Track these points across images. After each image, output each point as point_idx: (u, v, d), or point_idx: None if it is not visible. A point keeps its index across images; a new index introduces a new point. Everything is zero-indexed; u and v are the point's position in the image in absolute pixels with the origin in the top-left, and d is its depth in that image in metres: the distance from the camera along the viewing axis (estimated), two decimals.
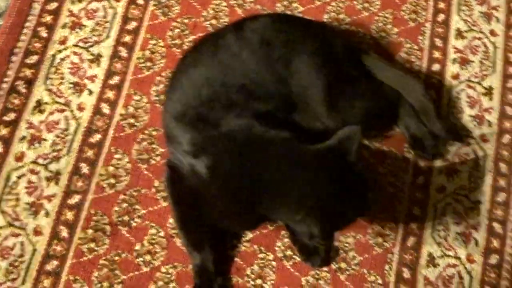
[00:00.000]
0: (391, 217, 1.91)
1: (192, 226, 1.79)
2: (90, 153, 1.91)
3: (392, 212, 1.92)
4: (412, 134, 1.95)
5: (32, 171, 1.87)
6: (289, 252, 1.86)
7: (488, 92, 2.10)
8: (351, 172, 1.58)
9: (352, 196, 1.58)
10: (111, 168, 1.90)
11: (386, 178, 1.96)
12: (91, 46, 2.05)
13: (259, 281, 1.83)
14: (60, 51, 2.03)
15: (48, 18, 2.07)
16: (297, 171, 1.57)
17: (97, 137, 1.93)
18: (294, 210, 1.56)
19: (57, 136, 1.92)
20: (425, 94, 1.95)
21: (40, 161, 1.89)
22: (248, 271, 1.84)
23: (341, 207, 1.56)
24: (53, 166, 1.88)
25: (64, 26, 2.07)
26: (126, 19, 2.10)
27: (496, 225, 1.94)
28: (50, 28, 2.06)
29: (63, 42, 2.05)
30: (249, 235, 1.86)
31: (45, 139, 1.91)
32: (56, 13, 2.09)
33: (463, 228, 1.92)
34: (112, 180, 1.89)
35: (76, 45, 2.05)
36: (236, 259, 1.85)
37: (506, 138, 2.04)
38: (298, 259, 1.85)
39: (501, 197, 1.97)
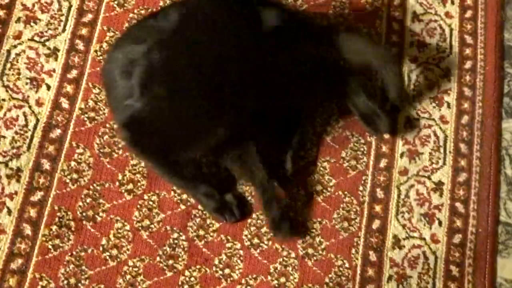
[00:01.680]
0: (356, 201, 1.93)
1: (178, 166, 1.81)
2: (51, 148, 1.88)
3: (357, 195, 1.94)
4: (361, 112, 1.96)
5: None
6: (256, 240, 1.86)
7: (445, 74, 2.13)
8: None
9: None
10: (73, 163, 1.87)
11: (348, 162, 1.97)
12: (47, 40, 2.02)
13: (227, 271, 1.83)
14: (15, 46, 1.99)
15: (0, 13, 2.03)
16: None
17: (57, 132, 1.90)
18: None
19: (16, 133, 1.89)
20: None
21: (0, 158, 1.85)
22: (216, 261, 1.84)
23: None
24: (13, 163, 1.85)
25: (18, 21, 2.03)
26: (81, 12, 2.06)
27: (458, 205, 1.97)
28: (4, 23, 2.01)
29: (17, 36, 2.00)
30: (216, 224, 1.86)
31: (4, 136, 1.88)
32: (9, 7, 2.04)
33: (426, 209, 1.95)
34: (75, 175, 1.86)
35: (31, 40, 2.01)
36: (203, 249, 1.84)
37: (465, 119, 2.07)
38: (266, 246, 1.85)
39: (462, 177, 2.00)
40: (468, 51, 2.17)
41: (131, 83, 1.69)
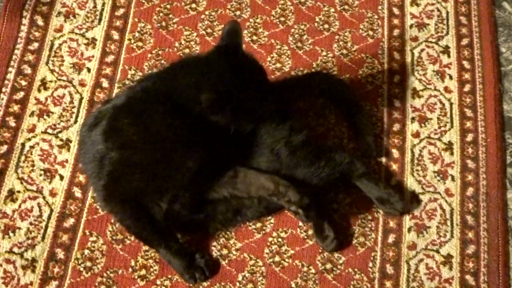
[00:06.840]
0: (366, 278, 1.95)
1: (150, 218, 1.80)
2: (65, 237, 1.92)
3: (367, 272, 1.95)
4: (374, 196, 2.02)
5: (8, 261, 1.87)
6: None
7: (449, 147, 2.17)
8: (246, 62, 1.80)
9: (254, 84, 1.78)
10: (86, 251, 1.91)
11: (357, 239, 2.00)
12: (60, 131, 2.08)
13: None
14: (29, 139, 2.06)
15: (15, 108, 2.10)
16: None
17: (70, 221, 1.95)
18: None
19: (31, 224, 1.93)
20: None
21: (16, 250, 1.89)
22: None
23: (247, 97, 1.76)
24: (28, 254, 1.89)
25: (32, 114, 2.10)
26: (92, 103, 2.14)
27: (468, 278, 1.98)
28: (18, 117, 2.09)
29: (31, 130, 2.08)
30: None
31: (19, 228, 1.92)
32: (23, 102, 2.12)
33: (437, 283, 1.96)
34: (89, 263, 1.89)
35: (44, 132, 2.08)
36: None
37: (470, 191, 2.10)
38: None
39: (471, 249, 2.02)
40: (469, 124, 2.22)
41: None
